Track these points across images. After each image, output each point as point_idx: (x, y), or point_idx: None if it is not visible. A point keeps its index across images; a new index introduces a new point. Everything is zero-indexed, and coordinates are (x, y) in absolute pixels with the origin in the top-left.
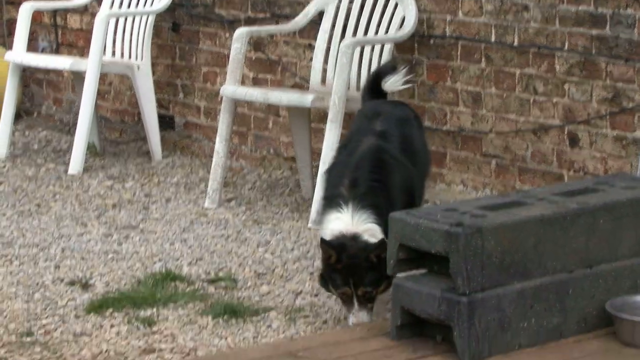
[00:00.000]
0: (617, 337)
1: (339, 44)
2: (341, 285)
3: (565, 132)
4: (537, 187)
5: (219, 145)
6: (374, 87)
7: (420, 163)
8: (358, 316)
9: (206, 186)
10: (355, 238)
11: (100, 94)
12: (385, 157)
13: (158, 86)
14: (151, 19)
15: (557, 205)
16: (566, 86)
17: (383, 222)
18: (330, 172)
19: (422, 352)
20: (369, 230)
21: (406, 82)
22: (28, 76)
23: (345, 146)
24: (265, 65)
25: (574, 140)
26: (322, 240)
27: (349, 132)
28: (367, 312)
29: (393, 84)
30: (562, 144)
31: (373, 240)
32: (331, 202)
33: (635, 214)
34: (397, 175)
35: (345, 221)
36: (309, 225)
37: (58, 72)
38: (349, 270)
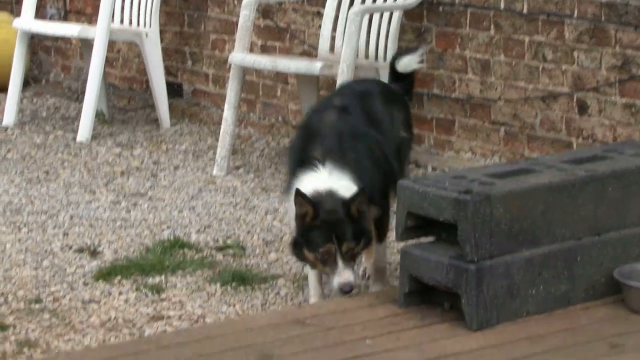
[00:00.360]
0: (625, 304)
1: (348, 12)
2: (322, 243)
3: (574, 100)
4: (545, 154)
5: (227, 113)
6: (392, 72)
7: (388, 134)
8: (343, 275)
9: (214, 154)
10: (331, 193)
11: (109, 62)
12: (350, 126)
13: (166, 54)
14: None
15: (566, 173)
16: (575, 53)
17: (357, 184)
18: (295, 146)
19: (429, 320)
20: (344, 186)
21: (420, 62)
22: (36, 43)
23: (306, 124)
24: (273, 32)
25: (583, 108)
26: (298, 194)
27: (308, 111)
28: (352, 272)
29: (406, 64)
30: (571, 112)
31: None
32: (302, 165)
33: None
34: (365, 143)
35: (320, 179)
36: None
37: (66, 40)
38: (330, 225)
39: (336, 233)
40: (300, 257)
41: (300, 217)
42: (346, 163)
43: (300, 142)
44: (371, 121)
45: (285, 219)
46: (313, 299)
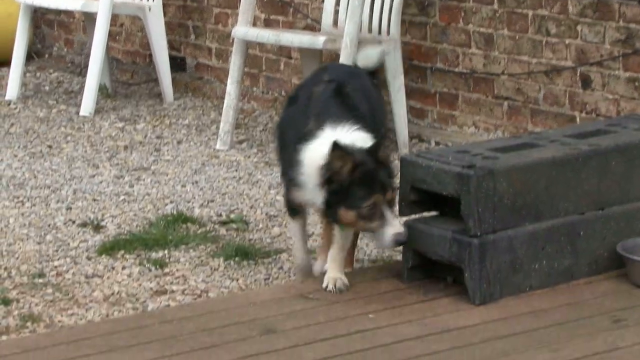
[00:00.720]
0: (628, 278)
1: None
2: (367, 196)
3: (578, 74)
4: (549, 129)
5: (231, 87)
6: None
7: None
8: (395, 225)
9: (218, 128)
10: (352, 146)
11: (112, 36)
12: (346, 91)
13: (169, 27)
14: None
15: (569, 147)
16: (579, 27)
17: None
18: (289, 120)
19: (433, 294)
20: (360, 138)
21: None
22: (39, 17)
23: (294, 98)
24: (276, 6)
25: (586, 82)
26: (336, 147)
27: (295, 88)
28: (399, 221)
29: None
30: (574, 86)
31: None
32: (305, 134)
33: None
34: (367, 103)
35: (338, 137)
36: None
37: (69, 13)
38: (372, 175)
39: (380, 182)
40: (335, 219)
41: (335, 174)
42: (350, 119)
43: (297, 114)
44: (366, 98)
45: None
46: (300, 275)
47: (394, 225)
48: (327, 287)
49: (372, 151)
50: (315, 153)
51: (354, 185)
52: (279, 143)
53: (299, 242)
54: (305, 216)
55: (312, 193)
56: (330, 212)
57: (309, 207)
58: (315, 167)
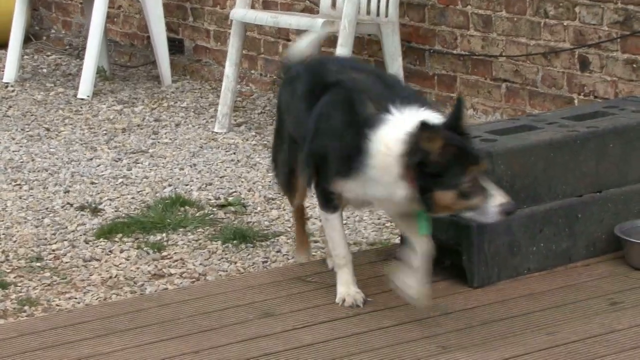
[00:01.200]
0: (625, 260)
1: None
2: (464, 171)
3: (576, 56)
4: (547, 111)
5: (229, 70)
6: None
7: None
8: (500, 195)
9: (216, 111)
10: (429, 123)
11: (110, 18)
12: (387, 74)
13: (168, 9)
14: None
15: (567, 130)
16: (577, 9)
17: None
18: (329, 110)
19: (430, 277)
20: (431, 116)
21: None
22: None
23: (309, 92)
24: None
25: (584, 64)
26: (424, 127)
27: (297, 88)
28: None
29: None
30: (572, 68)
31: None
32: (370, 121)
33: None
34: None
35: (400, 121)
36: None
37: None
38: (465, 149)
39: (473, 154)
40: (429, 206)
41: (426, 156)
42: (411, 99)
43: (340, 103)
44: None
45: None
46: (346, 274)
47: (499, 196)
48: (416, 302)
49: (454, 125)
50: (390, 140)
51: (447, 164)
52: (314, 136)
53: (341, 238)
54: (341, 208)
55: (386, 186)
56: (423, 199)
57: (361, 203)
58: (394, 155)
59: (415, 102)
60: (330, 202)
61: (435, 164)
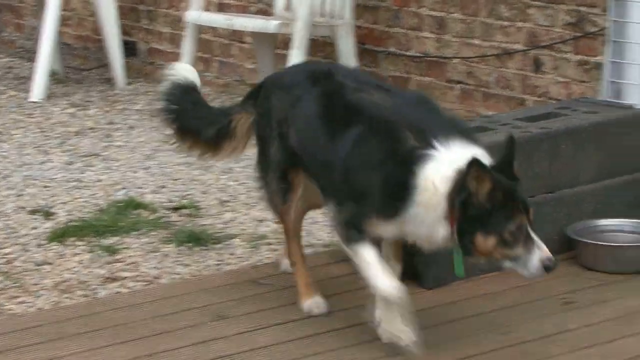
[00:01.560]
0: (578, 261)
1: None
2: (510, 217)
3: (529, 57)
4: (500, 112)
5: None
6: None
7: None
8: (544, 249)
9: None
10: (479, 162)
11: (63, 20)
12: (426, 98)
13: (121, 12)
14: None
15: (520, 131)
16: (530, 11)
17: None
18: (360, 141)
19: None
20: (479, 154)
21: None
22: None
23: (328, 115)
24: None
25: (537, 65)
26: (475, 164)
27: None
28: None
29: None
30: (525, 69)
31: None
32: (412, 156)
33: (597, 139)
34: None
35: (448, 157)
36: None
37: None
38: (514, 193)
39: (522, 200)
40: (468, 249)
41: (471, 196)
42: (455, 131)
43: (372, 132)
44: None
45: (240, 178)
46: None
47: (543, 250)
48: (411, 348)
49: (504, 167)
50: (437, 177)
51: (493, 207)
52: (349, 172)
53: (381, 270)
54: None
55: (428, 225)
56: (463, 241)
57: (390, 237)
58: (440, 193)
59: (459, 135)
60: (356, 235)
61: (481, 205)
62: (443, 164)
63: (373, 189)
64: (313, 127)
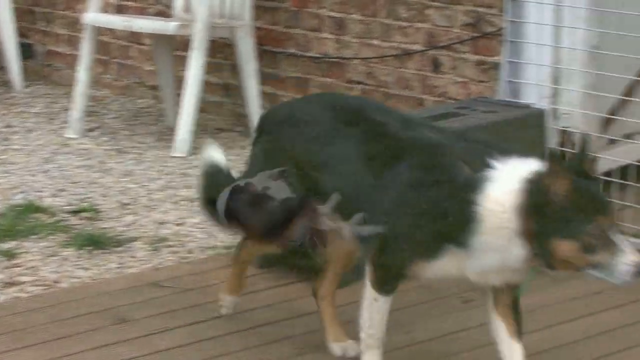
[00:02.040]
0: None
1: None
2: (590, 221)
3: (428, 58)
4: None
5: (81, 74)
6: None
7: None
8: (631, 252)
9: (69, 116)
10: (557, 157)
11: None
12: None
13: (17, 14)
14: None
15: None
16: (429, 11)
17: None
18: (417, 183)
19: (285, 280)
20: (538, 164)
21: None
22: None
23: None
24: None
25: (436, 65)
26: (552, 162)
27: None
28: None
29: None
30: (424, 69)
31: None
32: (471, 185)
33: (497, 138)
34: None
35: (507, 175)
36: (172, 154)
37: None
38: (592, 192)
39: (603, 201)
40: (546, 258)
41: (549, 196)
42: (503, 151)
43: (424, 170)
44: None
45: (140, 181)
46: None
47: (630, 252)
48: None
49: (580, 166)
50: (501, 194)
51: (571, 209)
52: (400, 214)
53: (384, 322)
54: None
55: (499, 250)
56: (541, 251)
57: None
58: (509, 208)
59: (508, 154)
60: (392, 283)
61: (558, 207)
62: (504, 181)
63: (431, 229)
64: (357, 169)
